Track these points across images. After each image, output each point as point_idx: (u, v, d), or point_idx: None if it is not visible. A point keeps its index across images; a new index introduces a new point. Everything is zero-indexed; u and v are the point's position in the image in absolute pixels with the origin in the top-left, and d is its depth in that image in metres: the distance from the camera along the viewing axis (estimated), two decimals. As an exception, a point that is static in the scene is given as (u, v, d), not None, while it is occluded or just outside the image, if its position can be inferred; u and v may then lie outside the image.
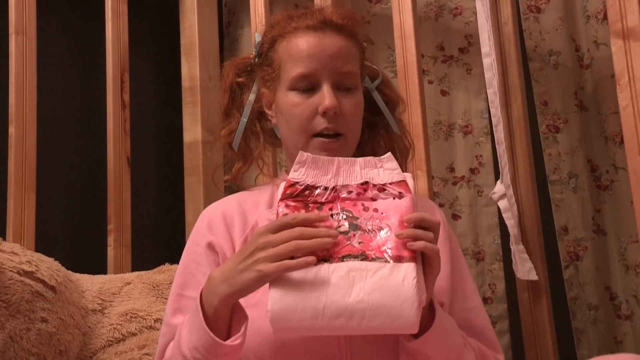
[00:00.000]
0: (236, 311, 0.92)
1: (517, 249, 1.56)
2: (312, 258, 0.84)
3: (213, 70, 2.08)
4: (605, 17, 1.75)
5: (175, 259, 1.68)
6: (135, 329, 1.44)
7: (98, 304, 1.47)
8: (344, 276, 0.84)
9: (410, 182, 0.93)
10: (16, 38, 1.70)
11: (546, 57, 1.90)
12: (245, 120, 1.16)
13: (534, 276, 1.55)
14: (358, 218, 0.89)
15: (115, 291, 1.52)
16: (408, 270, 0.84)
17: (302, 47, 1.06)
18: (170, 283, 1.56)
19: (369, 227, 0.88)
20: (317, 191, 0.92)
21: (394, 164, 0.95)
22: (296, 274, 0.84)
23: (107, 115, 1.88)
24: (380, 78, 1.19)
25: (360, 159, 0.95)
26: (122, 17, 1.94)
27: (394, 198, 0.91)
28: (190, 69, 2.05)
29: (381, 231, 0.88)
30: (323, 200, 0.92)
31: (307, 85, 1.06)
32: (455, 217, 2.05)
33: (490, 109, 1.56)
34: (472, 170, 2.07)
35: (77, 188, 1.98)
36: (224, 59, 2.29)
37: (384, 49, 2.10)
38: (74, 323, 1.35)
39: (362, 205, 0.91)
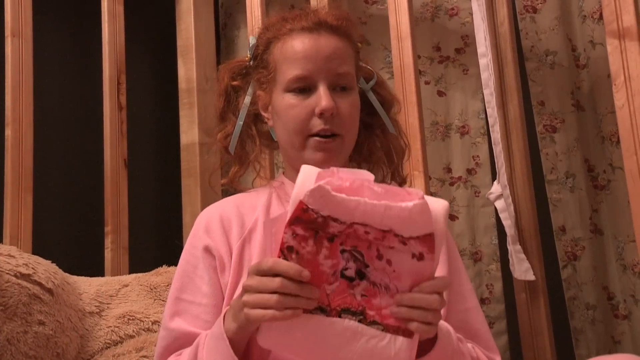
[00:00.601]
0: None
1: (514, 249, 1.56)
2: (299, 312, 0.80)
3: (210, 71, 2.08)
4: (601, 17, 1.76)
5: (172, 260, 1.69)
6: (133, 331, 1.44)
7: (95, 306, 1.46)
8: (338, 334, 0.81)
9: (438, 228, 0.80)
10: (12, 40, 1.70)
11: (543, 57, 1.90)
12: (241, 123, 1.16)
13: (531, 276, 1.55)
14: (368, 266, 0.82)
15: (112, 293, 1.51)
16: (403, 347, 0.81)
17: (297, 48, 1.06)
18: (168, 285, 1.57)
19: (377, 281, 0.81)
20: (332, 223, 0.80)
21: (424, 215, 0.79)
22: (296, 320, 0.81)
23: (104, 117, 1.88)
24: (374, 79, 1.19)
25: (385, 206, 0.78)
26: (118, 19, 1.94)
27: (412, 257, 0.81)
28: (187, 71, 2.05)
29: (388, 291, 0.81)
30: (337, 232, 0.81)
31: (303, 87, 1.06)
32: (452, 217, 2.06)
33: (487, 110, 1.56)
34: (469, 171, 2.07)
35: (74, 190, 1.98)
36: (221, 61, 2.29)
37: (380, 50, 2.10)
38: (72, 326, 1.34)
39: (377, 251, 0.81)
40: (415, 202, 0.78)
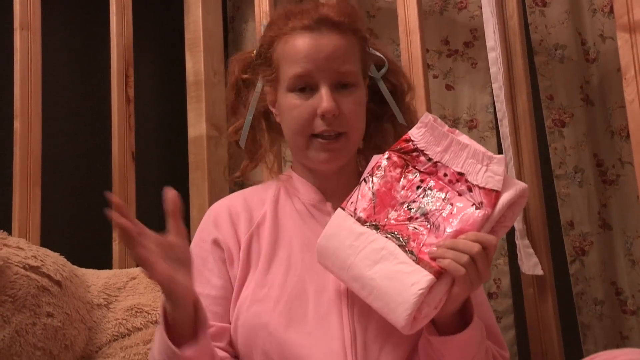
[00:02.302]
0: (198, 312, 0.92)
1: (523, 244, 1.56)
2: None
3: (217, 65, 2.08)
4: (611, 10, 1.74)
5: (180, 253, 1.69)
6: (141, 323, 1.44)
7: (103, 298, 1.47)
8: (377, 250, 0.89)
9: (504, 198, 0.89)
10: (21, 33, 1.70)
11: (552, 50, 1.89)
12: (251, 117, 1.16)
13: (539, 271, 1.54)
14: (434, 208, 0.91)
15: (120, 286, 1.52)
16: (422, 280, 0.86)
17: (298, 48, 1.06)
18: (175, 278, 1.57)
19: (433, 220, 0.90)
20: (422, 157, 0.95)
21: (500, 169, 0.90)
22: (349, 224, 0.93)
23: (112, 110, 1.88)
24: (386, 67, 1.18)
25: (471, 146, 0.93)
26: (126, 12, 1.94)
27: (472, 205, 0.90)
28: (195, 64, 2.05)
29: (437, 230, 0.90)
30: (422, 169, 0.95)
31: (305, 87, 1.06)
32: (460, 211, 2.05)
33: (496, 104, 1.56)
34: (478, 165, 2.07)
35: (82, 183, 1.99)
36: (229, 54, 2.29)
37: (388, 44, 2.09)
38: (80, 318, 1.35)
39: (446, 192, 0.92)
40: (501, 155, 0.91)
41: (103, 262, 1.75)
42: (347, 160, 1.10)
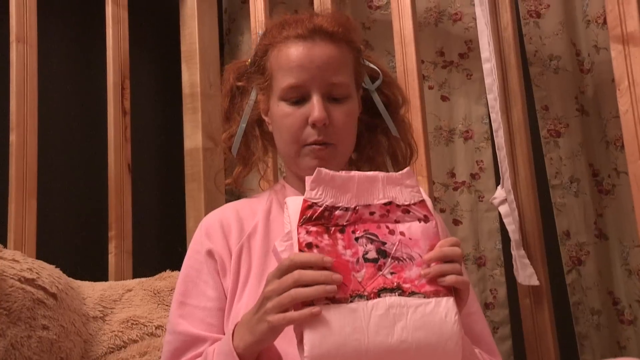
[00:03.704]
0: (269, 350, 0.90)
1: (518, 254, 1.56)
2: (317, 309, 0.78)
3: (213, 76, 2.08)
4: (605, 21, 1.75)
5: (176, 265, 1.68)
6: (137, 335, 1.44)
7: (99, 311, 1.46)
8: (384, 314, 0.80)
9: (429, 202, 0.89)
10: (17, 46, 1.70)
11: (547, 61, 1.90)
12: (244, 125, 1.16)
13: (535, 281, 1.54)
14: (385, 243, 0.84)
15: (116, 298, 1.51)
16: (449, 305, 0.82)
17: (291, 57, 1.06)
18: (172, 290, 1.57)
19: (399, 255, 0.84)
20: (337, 212, 0.86)
21: (413, 180, 0.89)
22: (333, 314, 0.79)
23: (108, 122, 1.88)
24: (380, 79, 1.18)
25: (381, 175, 0.89)
26: (122, 24, 1.95)
27: (419, 221, 0.87)
28: (191, 76, 2.05)
29: (413, 260, 0.84)
30: (345, 222, 0.85)
31: (297, 96, 1.06)
32: (456, 222, 2.05)
33: (491, 114, 1.56)
34: (473, 176, 2.07)
35: (78, 195, 1.98)
36: (225, 66, 2.30)
37: (383, 55, 2.10)
38: (75, 330, 1.34)
39: (387, 227, 0.86)
40: (406, 169, 0.90)
41: (99, 274, 1.74)
42: (338, 169, 1.10)
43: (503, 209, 1.59)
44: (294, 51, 1.06)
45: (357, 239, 0.84)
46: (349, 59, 1.10)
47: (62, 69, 2.02)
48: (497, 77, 1.54)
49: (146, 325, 1.46)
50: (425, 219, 0.87)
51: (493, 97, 1.53)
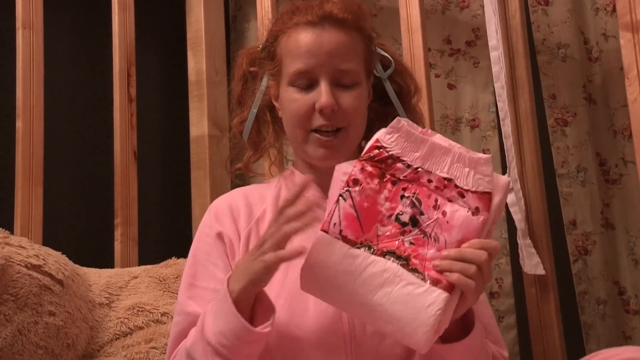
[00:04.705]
0: (262, 302, 0.92)
1: (524, 244, 1.55)
2: (302, 246, 0.84)
3: (219, 64, 2.08)
4: (614, 9, 1.74)
5: (181, 253, 1.69)
6: (142, 322, 1.45)
7: (105, 297, 1.47)
8: (377, 274, 0.82)
9: (497, 198, 0.86)
10: (23, 32, 1.70)
11: (554, 50, 1.88)
12: (255, 110, 1.16)
13: (541, 270, 1.54)
14: (424, 214, 0.84)
15: (122, 285, 1.52)
16: (438, 299, 0.81)
17: (300, 43, 1.06)
18: (177, 277, 1.57)
19: (427, 231, 0.84)
20: (399, 165, 0.86)
21: (489, 169, 0.86)
22: (337, 248, 0.84)
23: (114, 109, 1.88)
24: (392, 67, 1.18)
25: (456, 149, 0.86)
26: (128, 11, 1.94)
27: (468, 210, 0.84)
28: (197, 63, 2.05)
29: (437, 242, 0.83)
30: (401, 177, 0.86)
31: (306, 82, 1.06)
32: (462, 211, 2.05)
33: (498, 103, 1.55)
34: (480, 164, 2.06)
35: (84, 182, 1.99)
36: (231, 53, 2.29)
37: (390, 43, 2.08)
38: (82, 316, 1.35)
39: (436, 201, 0.85)
40: (487, 155, 0.85)
41: (105, 261, 1.75)
42: (347, 157, 1.10)
43: (509, 198, 1.58)
44: (303, 37, 1.06)
45: (402, 197, 0.85)
46: (359, 46, 1.09)
47: (68, 56, 2.02)
48: (505, 65, 1.53)
49: (152, 312, 1.47)
50: (476, 211, 0.84)
51: (500, 85, 1.52)
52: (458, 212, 0.84)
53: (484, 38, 1.64)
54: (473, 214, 0.84)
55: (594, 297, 1.82)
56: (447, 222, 0.84)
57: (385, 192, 0.85)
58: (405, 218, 0.84)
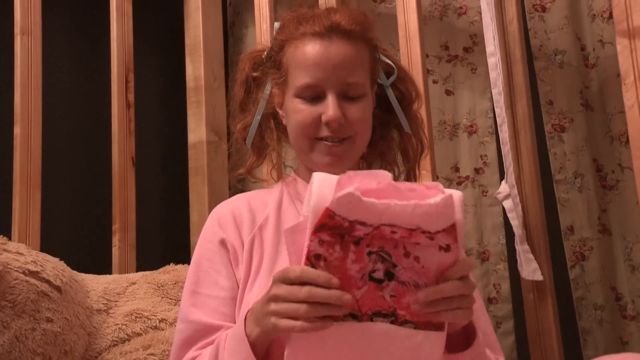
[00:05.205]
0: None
1: (522, 249, 1.56)
2: (330, 322, 0.79)
3: (218, 70, 2.08)
4: (611, 16, 1.75)
5: (180, 259, 1.69)
6: (140, 329, 1.44)
7: (103, 304, 1.47)
8: (373, 340, 0.80)
9: (459, 218, 0.80)
10: (21, 38, 1.70)
11: (551, 56, 1.89)
12: (259, 117, 1.16)
13: (539, 276, 1.54)
14: (396, 266, 0.80)
15: (120, 291, 1.52)
16: (437, 340, 0.82)
17: (307, 55, 1.05)
18: (175, 283, 1.57)
19: (405, 279, 0.80)
20: (358, 226, 0.79)
21: (451, 208, 0.79)
22: (324, 334, 0.79)
23: (112, 115, 1.88)
24: (395, 75, 1.18)
25: (415, 205, 0.77)
26: (127, 17, 1.94)
27: (439, 249, 0.81)
28: (195, 69, 2.05)
29: (417, 288, 0.81)
30: (362, 235, 0.79)
31: (312, 95, 1.06)
32: (460, 217, 2.05)
33: (495, 109, 1.56)
34: (477, 170, 2.07)
35: (82, 188, 1.99)
36: (229, 59, 2.30)
37: (388, 49, 2.08)
38: (79, 323, 1.35)
39: (404, 249, 0.81)
40: (442, 196, 0.78)
41: (103, 267, 1.75)
42: (351, 166, 1.10)
43: (507, 204, 1.59)
44: (311, 49, 1.05)
45: (369, 253, 0.80)
46: (365, 57, 1.09)
47: (67, 62, 2.02)
48: (502, 72, 1.53)
49: (150, 319, 1.46)
50: (447, 248, 0.81)
51: (497, 91, 1.53)
52: (431, 255, 0.81)
53: (482, 44, 1.65)
54: (445, 251, 0.81)
55: (592, 302, 1.83)
56: (423, 267, 0.81)
57: (351, 255, 0.80)
58: (379, 275, 0.80)
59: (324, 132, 1.05)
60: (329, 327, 0.79)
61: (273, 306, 0.82)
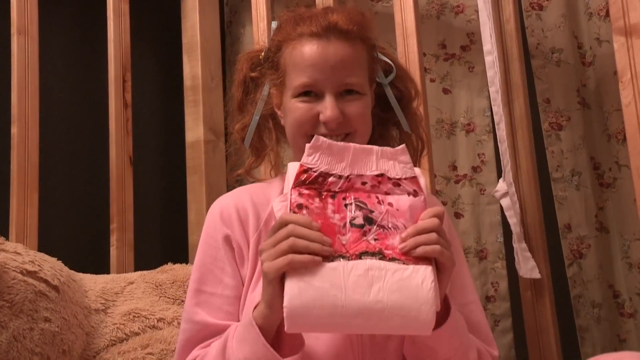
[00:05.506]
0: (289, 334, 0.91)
1: (520, 247, 1.56)
2: (318, 258, 0.83)
3: (215, 69, 2.08)
4: (607, 14, 1.75)
5: (178, 258, 1.69)
6: (138, 328, 1.44)
7: (101, 303, 1.47)
8: (363, 275, 0.83)
9: (422, 180, 0.93)
10: (18, 38, 1.70)
11: (548, 54, 1.89)
12: (257, 117, 1.16)
13: (536, 274, 1.55)
14: (373, 211, 0.88)
15: (118, 291, 1.52)
16: (426, 273, 0.84)
17: (305, 56, 1.05)
18: (173, 282, 1.57)
19: (384, 224, 0.88)
20: (331, 179, 0.91)
21: (407, 157, 0.93)
22: (313, 270, 0.83)
23: (109, 115, 1.88)
24: (393, 73, 1.17)
25: (376, 148, 0.93)
26: (123, 17, 1.94)
27: (408, 195, 0.91)
28: (192, 68, 2.05)
29: (397, 229, 0.87)
30: (337, 189, 0.90)
31: (310, 95, 1.06)
32: (457, 215, 2.05)
33: (493, 107, 1.56)
34: (475, 169, 2.07)
35: (79, 187, 1.99)
36: (226, 58, 2.30)
37: (385, 47, 2.09)
38: (77, 323, 1.35)
39: (377, 198, 0.90)
40: (398, 147, 0.93)
41: (100, 267, 1.75)
42: None
43: (504, 202, 1.59)
44: (308, 50, 1.05)
45: (346, 205, 0.89)
46: (363, 57, 1.09)
47: (64, 62, 2.01)
48: (499, 70, 1.53)
49: (148, 318, 1.46)
50: (415, 193, 0.91)
51: (495, 89, 1.53)
52: (402, 199, 0.90)
53: (479, 43, 1.65)
54: (414, 195, 0.91)
55: (589, 300, 1.83)
56: (397, 209, 0.89)
57: (330, 206, 0.89)
58: (359, 221, 0.87)
59: (322, 130, 1.05)
60: (318, 263, 0.83)
61: (264, 256, 0.86)
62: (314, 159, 0.91)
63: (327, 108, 1.03)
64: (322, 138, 0.92)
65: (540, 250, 1.59)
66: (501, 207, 1.63)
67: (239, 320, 1.03)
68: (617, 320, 1.79)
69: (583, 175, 1.85)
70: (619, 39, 1.26)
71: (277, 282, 0.85)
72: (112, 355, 1.37)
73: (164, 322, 1.47)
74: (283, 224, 0.86)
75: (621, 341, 1.78)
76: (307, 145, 0.92)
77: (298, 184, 0.90)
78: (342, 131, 1.06)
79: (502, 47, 1.68)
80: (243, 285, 1.05)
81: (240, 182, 1.95)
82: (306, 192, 0.89)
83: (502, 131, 1.53)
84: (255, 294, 1.02)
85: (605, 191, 1.83)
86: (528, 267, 1.55)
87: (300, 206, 0.88)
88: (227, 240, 1.07)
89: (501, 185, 1.59)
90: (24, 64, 1.70)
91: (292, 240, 0.83)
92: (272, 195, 1.12)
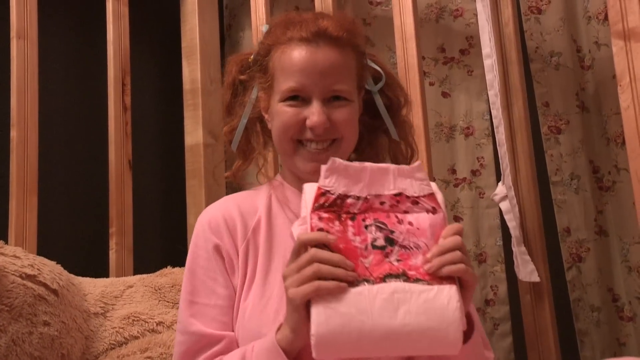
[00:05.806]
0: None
1: (519, 251, 1.56)
2: (344, 284, 0.82)
3: (214, 73, 2.08)
4: (606, 17, 1.75)
5: (177, 262, 1.69)
6: (138, 332, 1.44)
7: (100, 307, 1.47)
8: (388, 298, 0.83)
9: (439, 196, 0.93)
10: (18, 42, 1.70)
11: (547, 58, 1.89)
12: (245, 120, 1.16)
13: (536, 278, 1.55)
14: (394, 232, 0.88)
15: (117, 294, 1.52)
16: (451, 293, 0.84)
17: (294, 60, 1.05)
18: (173, 286, 1.57)
19: (406, 244, 0.87)
20: (349, 200, 0.90)
21: (424, 174, 0.93)
22: (339, 296, 0.82)
23: (109, 118, 1.88)
24: (383, 81, 1.17)
25: (392, 167, 0.92)
26: (123, 20, 1.94)
27: (427, 212, 0.90)
28: (192, 72, 2.05)
29: (419, 249, 0.87)
30: (356, 210, 0.89)
31: (297, 99, 1.05)
32: (456, 219, 2.05)
33: (492, 111, 1.56)
34: (474, 172, 2.07)
35: (78, 191, 1.98)
36: (225, 62, 2.29)
37: (384, 51, 2.10)
38: (76, 326, 1.35)
39: (396, 217, 0.89)
40: (414, 164, 0.92)
41: (100, 270, 1.75)
42: None
43: (504, 206, 1.59)
44: (297, 54, 1.05)
45: (366, 226, 0.88)
46: (352, 63, 1.08)
47: (63, 65, 2.01)
48: (498, 74, 1.54)
49: (147, 322, 1.46)
50: (434, 211, 0.90)
51: (494, 93, 1.53)
52: (421, 217, 0.90)
53: (478, 46, 1.65)
54: (432, 213, 0.90)
55: (588, 304, 1.83)
56: (418, 228, 0.89)
57: (350, 229, 0.88)
58: (380, 242, 0.87)
59: (308, 135, 1.05)
60: (344, 288, 0.82)
61: (288, 282, 0.85)
62: (331, 181, 0.90)
63: (314, 113, 1.03)
64: (338, 160, 0.91)
65: (540, 254, 1.59)
66: (500, 210, 1.63)
67: (233, 330, 1.03)
68: (617, 323, 1.79)
69: (582, 179, 1.85)
70: (618, 43, 1.26)
71: (302, 308, 0.84)
72: (112, 358, 1.37)
73: (163, 326, 1.47)
74: (302, 243, 0.85)
75: (620, 345, 1.78)
76: (323, 167, 0.91)
77: (317, 207, 0.89)
78: (328, 137, 1.05)
79: (501, 50, 1.68)
80: (235, 294, 1.05)
81: (241, 187, 1.95)
82: (325, 215, 0.88)
83: (501, 135, 1.53)
84: (247, 303, 1.02)
85: (605, 195, 1.84)
86: (527, 271, 1.55)
87: (321, 231, 0.87)
88: (217, 250, 1.07)
89: (500, 189, 1.59)
90: (23, 68, 1.70)
91: (316, 267, 0.82)
92: (259, 205, 1.12)
